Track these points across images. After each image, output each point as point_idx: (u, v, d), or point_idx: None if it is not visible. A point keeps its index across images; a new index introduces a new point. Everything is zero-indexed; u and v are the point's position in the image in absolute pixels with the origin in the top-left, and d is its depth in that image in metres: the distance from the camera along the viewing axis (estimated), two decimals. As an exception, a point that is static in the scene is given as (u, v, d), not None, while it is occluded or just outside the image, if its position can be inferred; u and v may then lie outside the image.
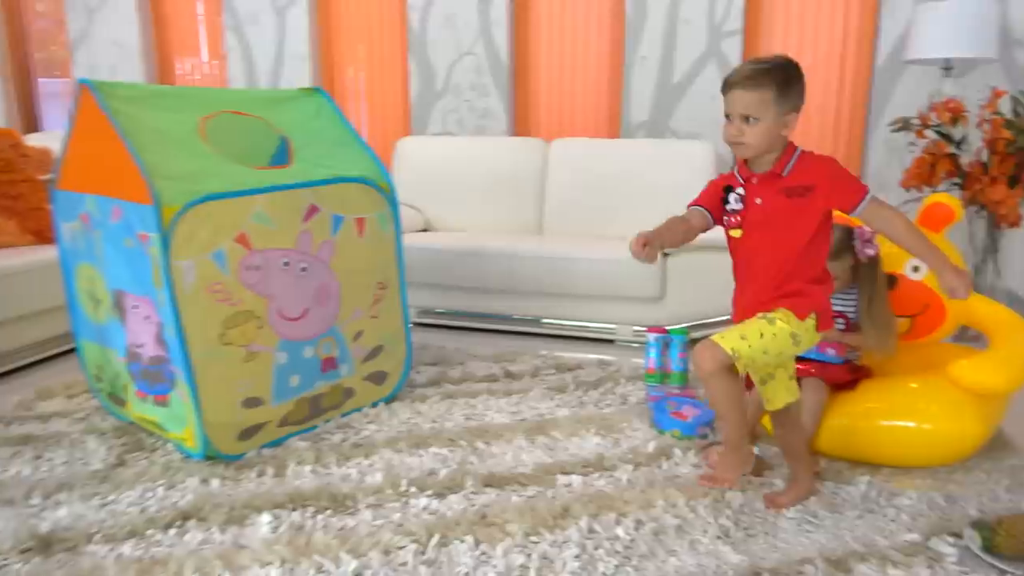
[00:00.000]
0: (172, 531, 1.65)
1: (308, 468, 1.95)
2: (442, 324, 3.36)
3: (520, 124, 4.54)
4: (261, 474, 1.92)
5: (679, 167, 3.51)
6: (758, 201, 1.65)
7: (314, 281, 2.12)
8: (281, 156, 2.20)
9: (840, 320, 2.10)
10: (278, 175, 2.06)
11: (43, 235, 3.11)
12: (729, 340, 1.60)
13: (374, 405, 2.36)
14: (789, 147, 1.63)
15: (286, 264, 2.04)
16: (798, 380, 2.02)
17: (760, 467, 1.96)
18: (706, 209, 1.75)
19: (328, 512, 1.74)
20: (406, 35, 4.48)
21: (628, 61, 4.11)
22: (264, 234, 1.98)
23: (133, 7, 4.88)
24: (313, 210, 2.09)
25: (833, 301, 2.11)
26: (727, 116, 1.60)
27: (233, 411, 1.98)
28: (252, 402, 2.02)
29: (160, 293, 1.86)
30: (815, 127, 3.87)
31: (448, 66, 4.43)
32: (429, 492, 1.83)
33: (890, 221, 1.58)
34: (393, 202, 2.30)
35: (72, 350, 2.87)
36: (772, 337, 1.61)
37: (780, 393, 1.75)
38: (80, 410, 2.35)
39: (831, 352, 2.06)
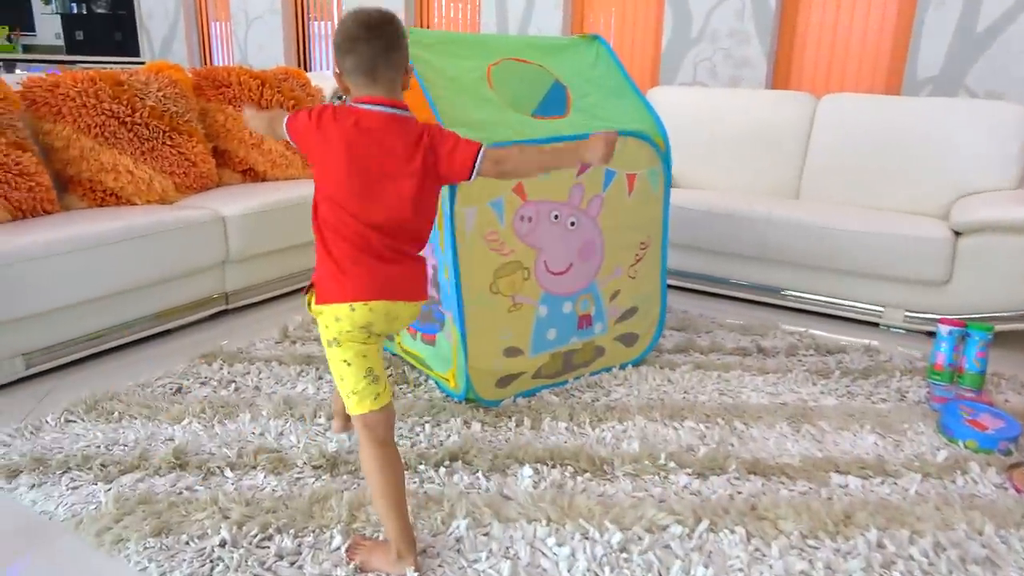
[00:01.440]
0: (442, 470, 1.70)
1: (563, 425, 1.92)
2: (681, 286, 3.20)
3: (780, 76, 4.17)
4: (519, 424, 1.93)
5: (977, 133, 3.00)
6: None
7: (581, 236, 2.06)
8: (554, 104, 2.14)
9: None
10: (557, 125, 2.00)
11: (320, 169, 3.35)
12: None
13: (623, 367, 2.29)
14: None
15: (556, 217, 2.00)
16: None
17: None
18: None
19: (587, 475, 1.70)
20: (666, -22, 4.23)
21: (922, 5, 3.57)
22: (539, 185, 1.94)
23: (400, -48, 5.07)
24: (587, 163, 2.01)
25: None
26: None
27: (495, 358, 1.99)
28: (512, 352, 2.03)
29: (442, 236, 1.89)
30: None
31: (707, 11, 4.14)
32: (689, 470, 1.73)
33: None
34: (666, 159, 2.16)
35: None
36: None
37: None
38: (350, 336, 2.51)
39: None
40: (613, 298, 2.20)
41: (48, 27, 7.65)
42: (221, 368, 2.23)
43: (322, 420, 1.91)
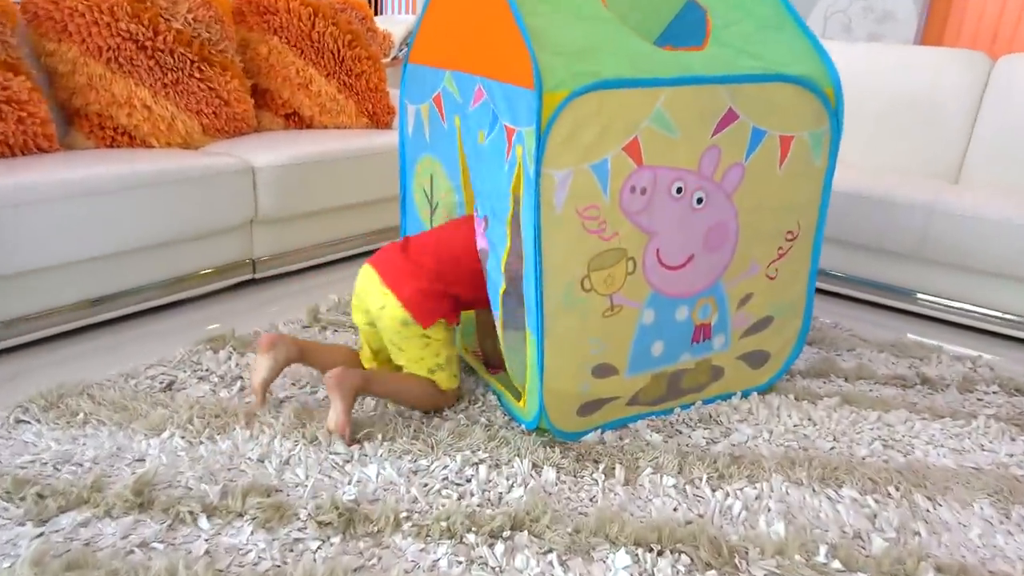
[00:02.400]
0: (499, 545, 1.18)
1: (670, 481, 1.37)
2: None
3: (932, 34, 3.42)
4: (608, 474, 1.39)
5: None
6: None
7: (709, 218, 1.48)
8: (686, 31, 1.55)
9: None
10: (689, 61, 1.41)
11: (377, 118, 2.85)
12: None
13: (745, 394, 1.72)
14: None
15: (679, 191, 1.42)
16: None
17: None
18: None
19: (711, 572, 1.15)
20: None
21: None
22: (661, 144, 1.37)
23: None
24: (730, 117, 1.42)
25: None
26: None
27: (580, 377, 1.45)
28: (604, 370, 1.48)
29: (513, 212, 1.35)
30: None
31: (848, -49, 3.42)
32: (862, 575, 1.16)
33: None
34: (836, 118, 1.55)
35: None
36: None
37: None
38: (395, 324, 2.01)
39: None
40: (743, 304, 1.62)
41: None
42: (229, 358, 1.75)
43: (340, 449, 1.41)
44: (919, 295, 2.38)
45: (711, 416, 1.63)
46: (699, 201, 1.45)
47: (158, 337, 1.90)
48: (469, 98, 1.49)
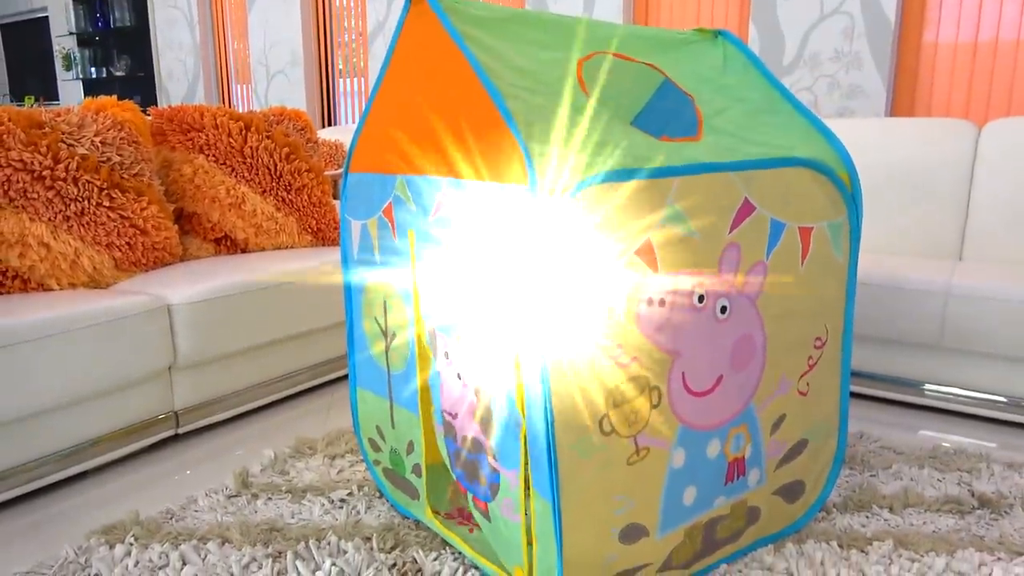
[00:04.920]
0: None
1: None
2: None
3: (902, 106, 3.46)
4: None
5: None
6: None
7: (734, 330, 1.30)
8: (667, 117, 1.42)
9: None
10: (694, 151, 1.27)
11: (322, 235, 2.67)
12: None
13: (774, 539, 1.49)
14: None
15: (700, 300, 1.25)
16: None
17: None
18: None
19: None
20: (753, -10, 3.61)
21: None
22: (677, 245, 1.20)
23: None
24: (746, 210, 1.27)
25: None
26: None
27: (606, 547, 1.22)
28: (632, 532, 1.25)
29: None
30: None
31: (804, 31, 3.49)
32: None
33: None
34: (855, 207, 1.42)
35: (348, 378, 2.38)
36: None
37: None
38: (344, 482, 1.75)
39: None
40: (776, 427, 1.42)
41: (72, 93, 7.34)
42: (127, 555, 1.44)
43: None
44: (927, 387, 2.25)
45: None
46: (723, 310, 1.28)
47: (44, 528, 1.60)
48: (428, 205, 1.31)
